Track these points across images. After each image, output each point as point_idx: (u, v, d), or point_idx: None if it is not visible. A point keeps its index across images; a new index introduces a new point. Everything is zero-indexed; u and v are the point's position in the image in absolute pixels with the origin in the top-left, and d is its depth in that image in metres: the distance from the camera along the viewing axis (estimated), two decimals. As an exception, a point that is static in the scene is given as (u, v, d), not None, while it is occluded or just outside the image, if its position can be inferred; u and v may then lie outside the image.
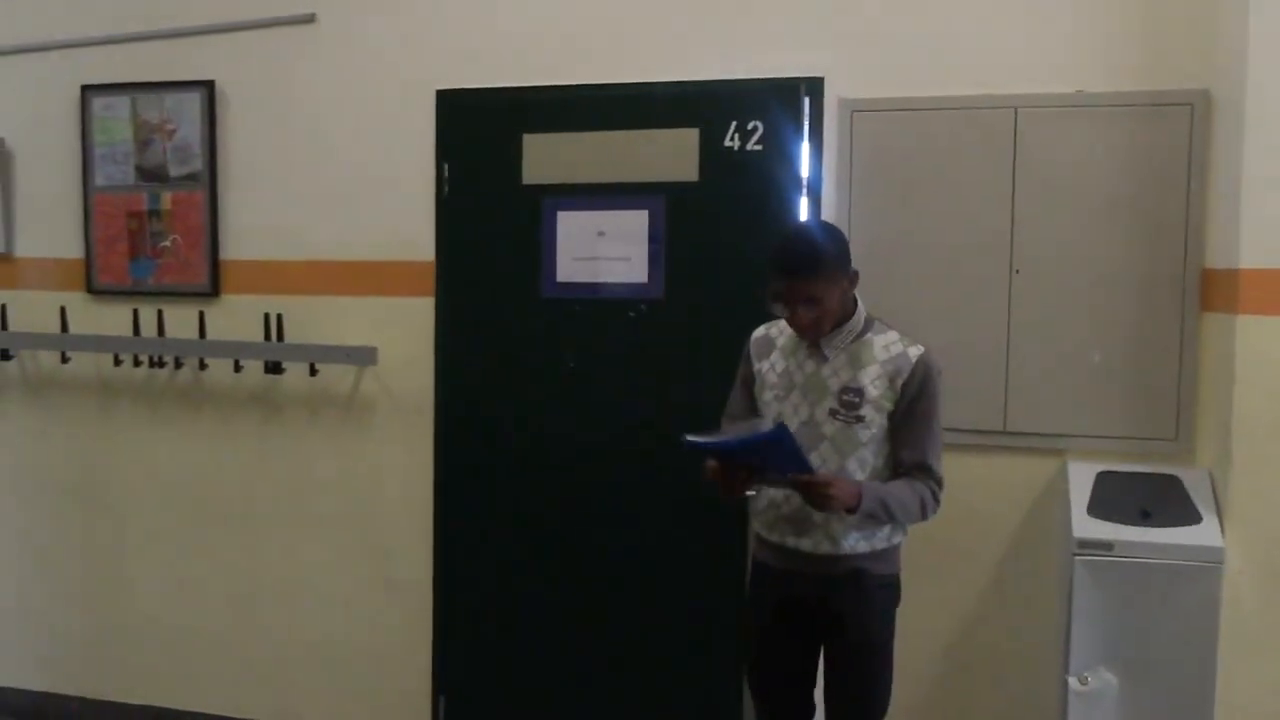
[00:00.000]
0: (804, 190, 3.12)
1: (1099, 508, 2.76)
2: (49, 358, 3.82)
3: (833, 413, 2.48)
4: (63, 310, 3.74)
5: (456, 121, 3.41)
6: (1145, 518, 2.70)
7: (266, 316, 3.55)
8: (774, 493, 2.55)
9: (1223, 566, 2.62)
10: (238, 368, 3.62)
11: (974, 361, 3.02)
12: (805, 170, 3.12)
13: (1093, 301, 2.96)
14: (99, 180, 3.71)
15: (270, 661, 3.72)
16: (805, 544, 2.52)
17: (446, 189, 3.41)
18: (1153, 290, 2.92)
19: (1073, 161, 2.96)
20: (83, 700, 3.90)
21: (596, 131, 3.27)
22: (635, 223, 3.25)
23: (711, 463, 2.47)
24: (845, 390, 2.48)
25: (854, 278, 2.53)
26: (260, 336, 3.57)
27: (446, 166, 3.41)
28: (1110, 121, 2.93)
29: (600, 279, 3.29)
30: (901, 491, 2.48)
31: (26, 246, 3.84)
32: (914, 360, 2.49)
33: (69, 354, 3.79)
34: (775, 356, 2.61)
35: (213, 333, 3.62)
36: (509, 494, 3.42)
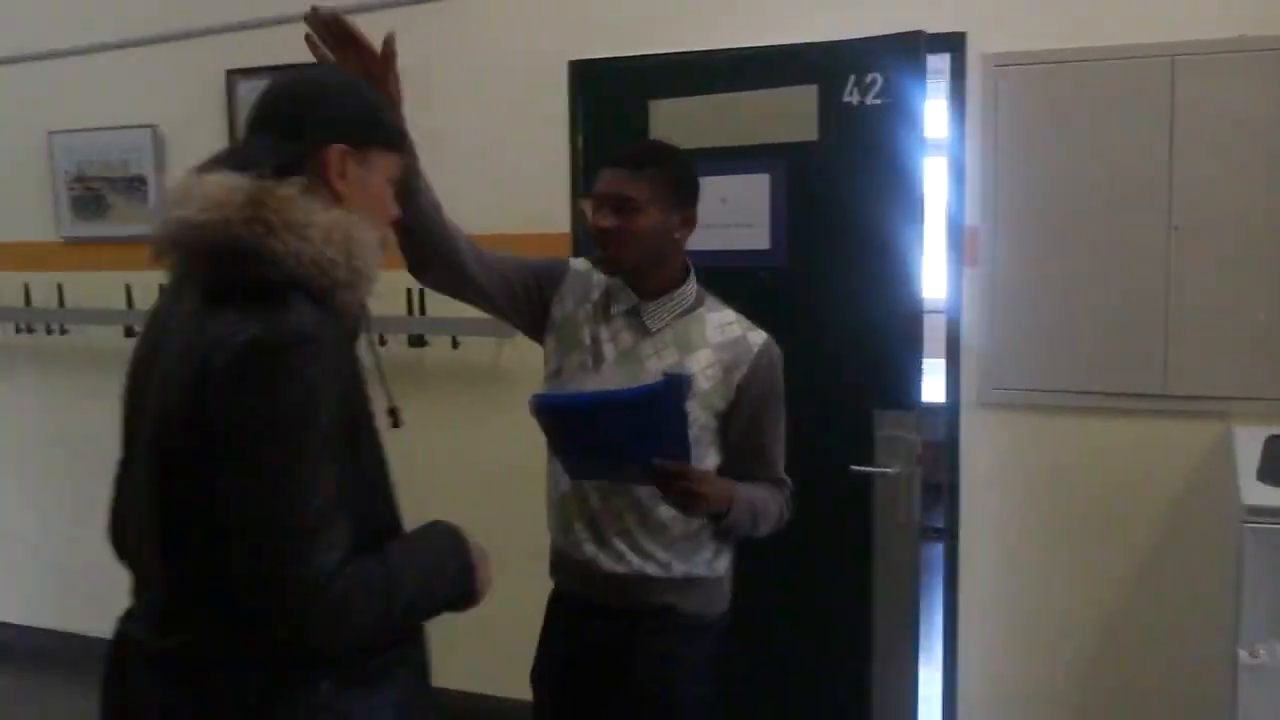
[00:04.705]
0: (931, 145, 2.96)
1: (1269, 473, 2.64)
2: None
3: None
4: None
5: (588, 92, 3.42)
6: (1319, 483, 2.58)
7: (409, 291, 3.63)
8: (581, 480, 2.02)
9: (1405, 533, 2.49)
10: (382, 342, 3.71)
11: (1131, 322, 2.93)
12: (939, 127, 3.01)
13: (1257, 257, 2.83)
14: (248, 163, 3.81)
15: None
16: (604, 559, 2.01)
17: (581, 160, 3.43)
18: (1324, 244, 2.78)
19: (1235, 111, 2.82)
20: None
21: (720, 94, 3.18)
22: (757, 187, 3.19)
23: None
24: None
25: (688, 220, 2.05)
26: (404, 311, 3.65)
27: (580, 137, 3.43)
28: (1276, 67, 2.78)
29: (724, 246, 3.17)
30: (765, 501, 2.05)
31: (182, 229, 3.98)
32: (755, 350, 2.03)
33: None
34: (588, 309, 2.09)
35: (359, 309, 3.71)
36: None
